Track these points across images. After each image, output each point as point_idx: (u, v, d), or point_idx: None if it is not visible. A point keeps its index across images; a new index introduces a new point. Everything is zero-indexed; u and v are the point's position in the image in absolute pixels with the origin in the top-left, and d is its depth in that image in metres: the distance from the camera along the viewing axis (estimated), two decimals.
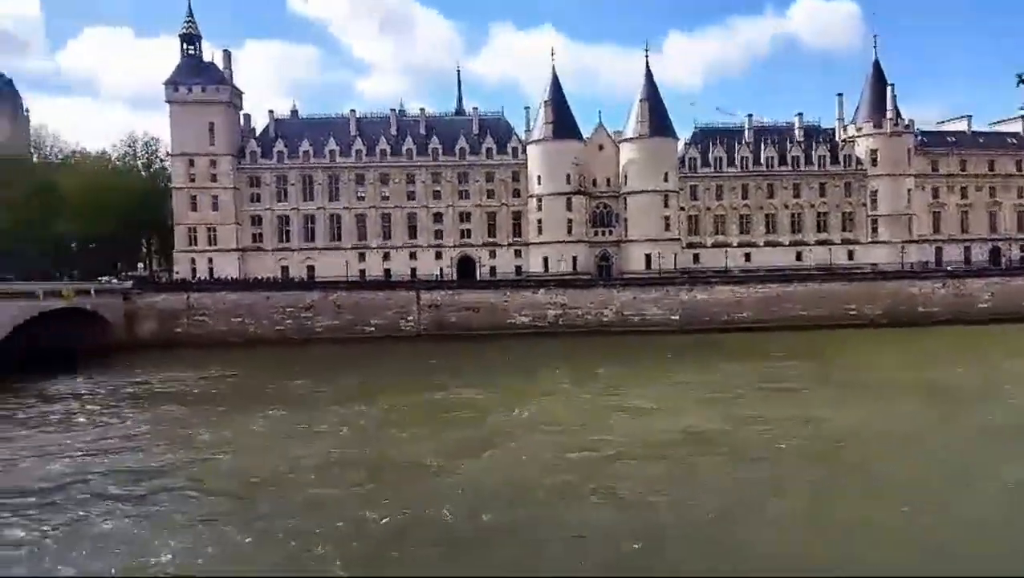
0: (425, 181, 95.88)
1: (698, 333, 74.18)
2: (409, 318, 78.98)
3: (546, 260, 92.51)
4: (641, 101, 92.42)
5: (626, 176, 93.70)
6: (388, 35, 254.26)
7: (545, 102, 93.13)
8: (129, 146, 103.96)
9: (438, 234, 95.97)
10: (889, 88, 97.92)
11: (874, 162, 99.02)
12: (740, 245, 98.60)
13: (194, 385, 51.51)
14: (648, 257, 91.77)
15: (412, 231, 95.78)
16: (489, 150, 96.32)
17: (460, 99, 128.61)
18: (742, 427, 35.18)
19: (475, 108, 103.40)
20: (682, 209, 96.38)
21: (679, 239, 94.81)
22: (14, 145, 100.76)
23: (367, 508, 24.62)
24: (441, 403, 42.96)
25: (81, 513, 24.92)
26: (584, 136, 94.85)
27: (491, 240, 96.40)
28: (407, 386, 48.41)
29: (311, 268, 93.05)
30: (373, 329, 77.25)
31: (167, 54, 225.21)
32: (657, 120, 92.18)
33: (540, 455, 30.99)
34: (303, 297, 79.49)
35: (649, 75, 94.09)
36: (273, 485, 27.70)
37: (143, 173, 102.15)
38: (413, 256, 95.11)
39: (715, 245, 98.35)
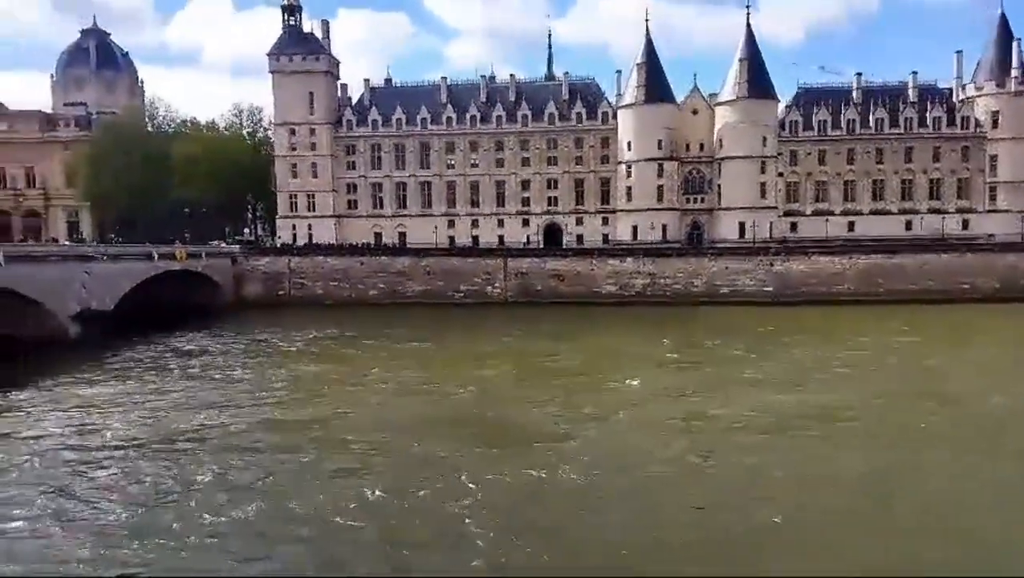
0: (513, 148, 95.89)
1: (794, 305, 71.30)
2: (496, 285, 79.89)
3: (635, 228, 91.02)
4: (740, 61, 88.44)
5: (721, 141, 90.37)
6: (475, 0, 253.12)
7: (637, 65, 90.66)
8: (236, 116, 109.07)
9: (525, 201, 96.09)
10: (1016, 43, 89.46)
11: (995, 124, 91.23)
12: (843, 213, 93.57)
13: (311, 343, 54.62)
14: (742, 225, 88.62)
15: (500, 198, 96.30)
16: (579, 115, 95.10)
17: (550, 64, 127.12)
18: (873, 405, 33.42)
19: (565, 73, 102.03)
20: (780, 175, 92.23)
21: (776, 207, 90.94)
22: (131, 115, 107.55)
23: (498, 467, 25.14)
24: (553, 369, 43.32)
25: (228, 463, 26.23)
26: (677, 100, 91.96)
27: (578, 207, 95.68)
28: (516, 351, 49.40)
29: (403, 234, 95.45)
30: (461, 295, 78.72)
31: (265, 25, 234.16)
32: (756, 81, 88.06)
33: (658, 424, 30.68)
34: (395, 262, 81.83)
35: (749, 33, 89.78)
36: (405, 442, 28.52)
37: (248, 141, 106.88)
38: (501, 223, 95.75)
39: (815, 213, 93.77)
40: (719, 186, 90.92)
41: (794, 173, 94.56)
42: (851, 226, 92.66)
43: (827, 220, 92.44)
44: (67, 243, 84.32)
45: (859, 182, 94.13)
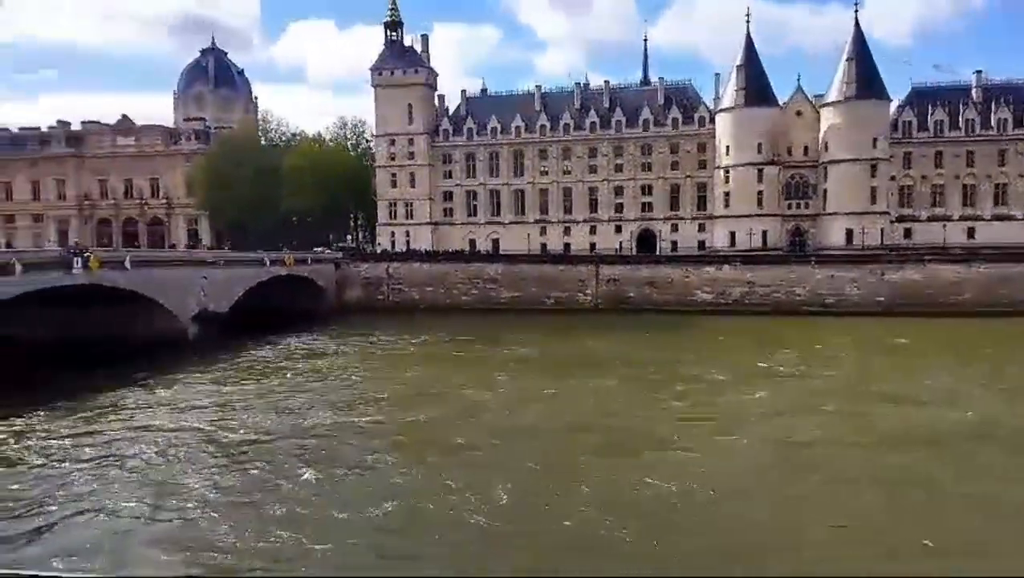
0: (607, 154, 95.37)
1: (906, 317, 67.09)
2: (587, 292, 79.47)
3: (732, 235, 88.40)
4: (848, 60, 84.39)
5: (827, 143, 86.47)
6: (563, 10, 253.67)
7: (737, 67, 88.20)
8: (340, 128, 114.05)
9: (618, 208, 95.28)
10: None
11: None
12: (962, 219, 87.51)
13: (424, 346, 56.40)
14: (849, 232, 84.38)
15: (593, 205, 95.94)
16: (675, 120, 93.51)
17: (645, 69, 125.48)
18: None
19: (660, 78, 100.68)
20: (892, 179, 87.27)
21: (887, 212, 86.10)
22: (245, 130, 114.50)
23: (623, 476, 24.80)
24: (666, 378, 42.64)
25: (356, 461, 27.02)
26: (779, 102, 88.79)
27: (673, 213, 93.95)
28: (624, 358, 48.92)
29: (496, 241, 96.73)
30: (552, 301, 78.77)
31: (365, 42, 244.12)
32: (866, 81, 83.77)
33: (791, 437, 29.50)
34: (488, 269, 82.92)
35: (858, 31, 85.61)
36: (531, 447, 28.68)
37: (351, 153, 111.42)
38: (593, 230, 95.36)
39: (931, 219, 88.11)
40: (824, 191, 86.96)
41: (907, 176, 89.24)
42: (971, 232, 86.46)
43: (944, 226, 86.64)
44: (187, 249, 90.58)
45: (980, 186, 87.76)
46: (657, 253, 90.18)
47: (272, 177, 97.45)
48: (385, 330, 63.60)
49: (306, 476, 25.53)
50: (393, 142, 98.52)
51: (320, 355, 52.54)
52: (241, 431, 31.43)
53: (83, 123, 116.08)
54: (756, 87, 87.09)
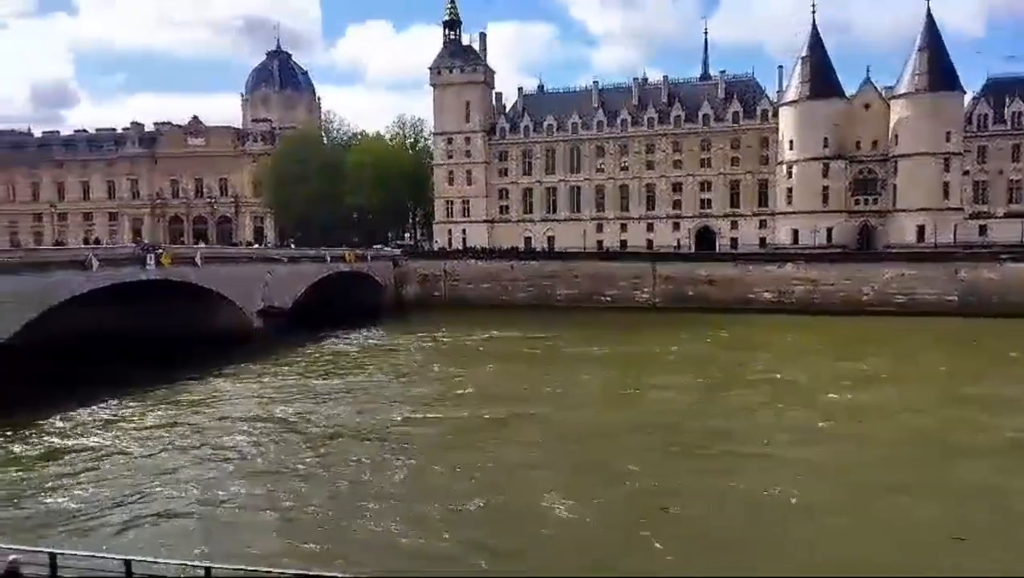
0: (665, 150, 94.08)
1: (981, 317, 64.07)
2: (644, 290, 78.67)
3: (795, 232, 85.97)
4: (920, 51, 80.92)
5: (896, 137, 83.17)
6: (617, 5, 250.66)
7: (802, 58, 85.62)
8: (399, 127, 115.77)
9: (676, 204, 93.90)
10: None
11: None
12: None
13: (488, 343, 57.16)
14: (921, 229, 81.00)
15: (650, 202, 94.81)
16: (735, 115, 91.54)
17: (706, 63, 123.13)
18: None
19: (721, 72, 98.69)
20: (965, 174, 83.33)
21: (961, 208, 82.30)
22: (309, 130, 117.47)
23: (711, 479, 24.39)
24: (743, 377, 41.98)
25: (433, 456, 27.30)
26: (846, 94, 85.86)
27: (733, 210, 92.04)
28: (694, 356, 48.54)
29: (551, 238, 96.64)
30: (608, 299, 78.29)
31: (422, 43, 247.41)
32: (939, 72, 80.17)
33: (888, 441, 28.55)
34: (544, 266, 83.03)
35: (930, 20, 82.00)
36: (614, 449, 28.57)
37: (410, 151, 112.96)
38: (650, 227, 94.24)
39: (1008, 216, 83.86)
40: (894, 186, 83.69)
41: (982, 171, 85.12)
42: None
43: (1023, 222, 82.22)
44: (254, 245, 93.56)
45: None
46: (716, 251, 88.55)
47: (334, 175, 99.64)
48: (448, 326, 64.40)
49: (392, 470, 25.91)
50: (450, 140, 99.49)
51: (389, 351, 53.67)
52: (323, 424, 32.14)
53: (156, 124, 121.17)
54: (822, 79, 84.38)
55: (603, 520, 21.41)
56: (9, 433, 30.24)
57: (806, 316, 68.20)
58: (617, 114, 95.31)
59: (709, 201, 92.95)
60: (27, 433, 30.58)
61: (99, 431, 31.24)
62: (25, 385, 36.26)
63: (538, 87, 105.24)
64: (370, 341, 58.27)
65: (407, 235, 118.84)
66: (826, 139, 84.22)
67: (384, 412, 34.21)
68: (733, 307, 72.05)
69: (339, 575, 11.89)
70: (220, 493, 23.73)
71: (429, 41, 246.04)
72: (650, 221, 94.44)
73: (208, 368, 43.99)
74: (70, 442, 29.68)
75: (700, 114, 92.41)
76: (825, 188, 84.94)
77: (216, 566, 12.55)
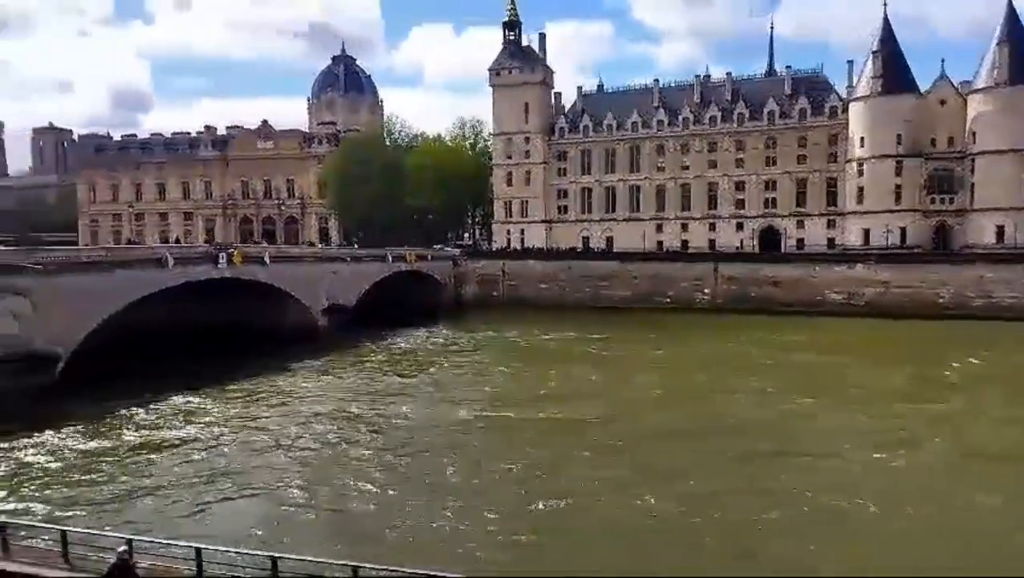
0: (728, 149, 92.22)
1: None
2: (705, 291, 77.38)
3: (866, 232, 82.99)
4: (999, 44, 77.00)
5: (974, 134, 79.34)
6: (679, 2, 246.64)
7: (873, 52, 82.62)
8: (459, 128, 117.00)
9: (740, 204, 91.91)
10: None
11: None
12: None
13: (553, 343, 57.55)
14: (1000, 229, 77.06)
15: (712, 201, 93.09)
16: (802, 111, 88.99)
17: (771, 59, 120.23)
18: None
19: (787, 67, 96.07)
20: None
21: None
22: (371, 132, 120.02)
23: (797, 486, 23.86)
24: (835, 383, 40.83)
25: (517, 455, 27.57)
26: (920, 90, 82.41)
27: (800, 210, 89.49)
28: (774, 361, 47.52)
29: (610, 239, 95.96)
30: (667, 300, 77.31)
31: (480, 44, 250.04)
32: (1020, 65, 76.02)
33: (993, 454, 27.63)
34: (602, 267, 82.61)
35: (1011, 11, 77.99)
36: (689, 446, 28.68)
37: (470, 152, 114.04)
38: (712, 227, 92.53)
39: None
40: (972, 185, 79.87)
41: None
42: None
43: None
44: (318, 246, 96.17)
45: None
46: (782, 251, 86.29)
47: (395, 177, 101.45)
48: (508, 326, 64.90)
49: (461, 468, 26.19)
50: (510, 141, 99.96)
51: (452, 349, 54.42)
52: (393, 421, 32.82)
53: (227, 128, 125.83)
54: (894, 73, 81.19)
55: (667, 526, 21.15)
56: (99, 424, 31.95)
57: (877, 319, 65.89)
58: (678, 112, 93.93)
59: (774, 200, 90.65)
60: (116, 424, 32.24)
61: (181, 423, 32.60)
62: (109, 377, 38.22)
63: (597, 86, 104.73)
64: (433, 340, 59.17)
65: (466, 235, 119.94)
66: (899, 136, 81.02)
67: (451, 410, 34.59)
68: (799, 309, 70.15)
69: (483, 576, 11.78)
70: (281, 486, 24.37)
71: (488, 42, 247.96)
72: (712, 221, 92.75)
73: (278, 364, 45.55)
74: (159, 434, 31.00)
75: (765, 111, 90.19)
76: (898, 187, 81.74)
77: (364, 565, 12.58)
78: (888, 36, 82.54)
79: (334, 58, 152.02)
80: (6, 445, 28.44)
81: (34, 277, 36.53)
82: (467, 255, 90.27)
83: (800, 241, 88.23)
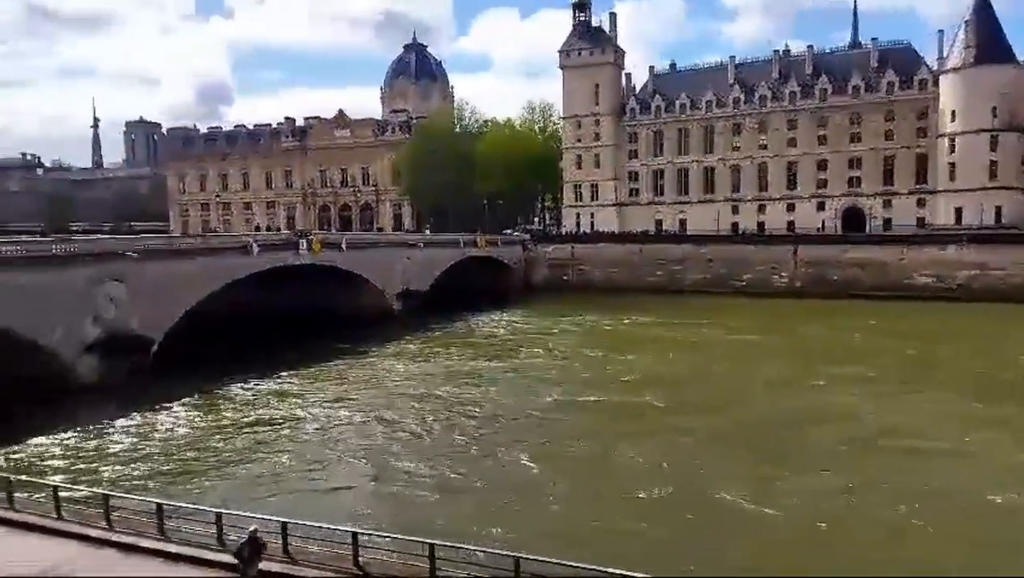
0: (808, 126, 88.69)
1: None
2: (783, 274, 75.02)
3: (959, 211, 78.50)
4: None
5: None
6: None
7: (966, 21, 77.63)
8: (529, 113, 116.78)
9: (821, 183, 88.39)
10: None
11: None
12: None
13: (633, 327, 57.05)
14: None
15: (791, 181, 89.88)
16: (889, 85, 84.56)
17: (855, 30, 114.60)
18: None
19: (873, 39, 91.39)
20: None
21: None
22: (442, 119, 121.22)
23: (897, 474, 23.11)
24: (925, 366, 39.65)
25: (609, 443, 27.20)
26: (1018, 60, 76.94)
27: (886, 188, 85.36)
28: (869, 349, 45.39)
29: (683, 221, 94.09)
30: (743, 284, 75.42)
31: (548, 27, 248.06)
32: None
33: None
34: (673, 250, 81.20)
35: None
36: (794, 433, 27.83)
37: (539, 136, 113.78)
38: (791, 208, 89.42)
39: None
40: None
41: None
42: None
43: None
44: (392, 232, 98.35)
45: None
46: (867, 232, 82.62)
47: (466, 163, 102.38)
48: (579, 310, 64.72)
49: (562, 454, 26.08)
50: (579, 124, 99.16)
51: (526, 333, 54.65)
52: (477, 403, 33.25)
53: (306, 119, 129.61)
54: (989, 43, 76.02)
55: (781, 518, 20.32)
56: (198, 404, 33.89)
57: (971, 303, 62.34)
58: (755, 90, 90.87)
59: (858, 179, 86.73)
60: (214, 404, 34.11)
61: (276, 404, 34.02)
62: (198, 360, 40.34)
63: (670, 65, 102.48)
64: (507, 324, 59.67)
65: (536, 220, 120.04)
66: (994, 109, 76.03)
67: (540, 395, 34.53)
68: (885, 293, 67.18)
69: (643, 576, 11.33)
70: (397, 467, 24.80)
71: (556, 25, 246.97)
72: (791, 201, 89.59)
73: (359, 347, 47.03)
74: (257, 413, 32.43)
75: (850, 86, 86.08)
76: (993, 163, 76.84)
77: (526, 557, 12.22)
78: (983, 3, 77.32)
79: (406, 46, 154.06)
80: (120, 423, 30.35)
81: (130, 264, 38.98)
82: (536, 240, 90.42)
83: (887, 221, 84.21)
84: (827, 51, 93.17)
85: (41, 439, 27.79)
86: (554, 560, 12.31)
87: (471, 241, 75.90)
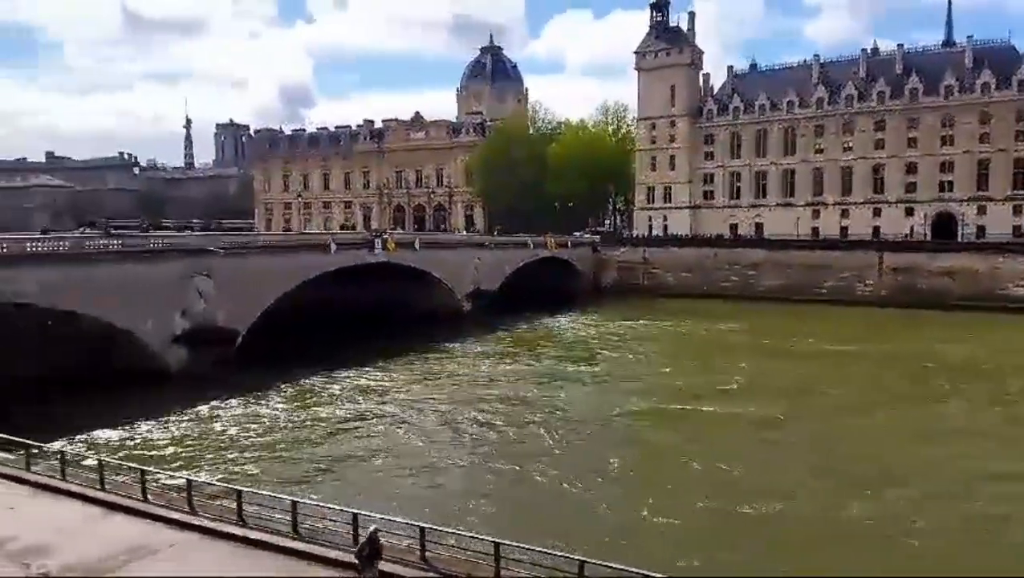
0: (897, 127, 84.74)
1: None
2: (867, 282, 72.03)
3: None
4: None
5: None
6: None
7: None
8: (603, 114, 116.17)
9: (909, 188, 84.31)
10: None
11: None
12: None
13: (696, 332, 56.27)
14: None
15: (877, 184, 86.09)
16: (986, 85, 79.90)
17: (949, 28, 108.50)
18: None
19: (969, 37, 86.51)
20: None
21: None
22: (516, 121, 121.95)
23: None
24: None
25: (701, 455, 26.25)
26: None
27: (981, 193, 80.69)
28: (973, 361, 43.41)
29: (759, 225, 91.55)
30: (823, 291, 72.80)
31: (621, 28, 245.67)
32: None
33: None
34: (749, 254, 79.19)
35: None
36: (901, 452, 26.51)
37: (612, 137, 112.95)
38: (876, 213, 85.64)
39: None
40: None
41: None
42: None
43: None
44: (464, 232, 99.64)
45: None
46: (959, 239, 78.29)
47: (538, 164, 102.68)
48: (654, 314, 63.95)
49: (647, 461, 25.68)
50: (654, 125, 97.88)
51: (603, 338, 53.95)
52: (566, 408, 32.67)
53: (383, 121, 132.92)
54: None
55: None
56: (285, 393, 35.17)
57: None
58: (840, 90, 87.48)
59: (950, 184, 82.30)
60: (298, 394, 35.35)
61: (359, 398, 34.90)
62: (279, 353, 42.03)
63: (750, 65, 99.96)
64: (579, 327, 59.31)
65: (606, 222, 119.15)
66: None
67: (620, 400, 33.88)
68: (976, 304, 63.58)
69: None
70: (490, 467, 24.86)
71: (629, 26, 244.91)
72: (877, 206, 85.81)
73: (432, 345, 47.89)
74: (342, 407, 33.29)
75: (942, 86, 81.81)
76: None
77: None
78: None
79: (482, 49, 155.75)
80: (206, 411, 31.72)
81: (218, 260, 40.97)
82: (607, 242, 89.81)
83: (980, 229, 79.56)
84: (918, 50, 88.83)
85: (140, 425, 29.24)
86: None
87: (541, 242, 76.13)
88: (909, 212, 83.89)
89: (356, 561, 12.76)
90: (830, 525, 20.25)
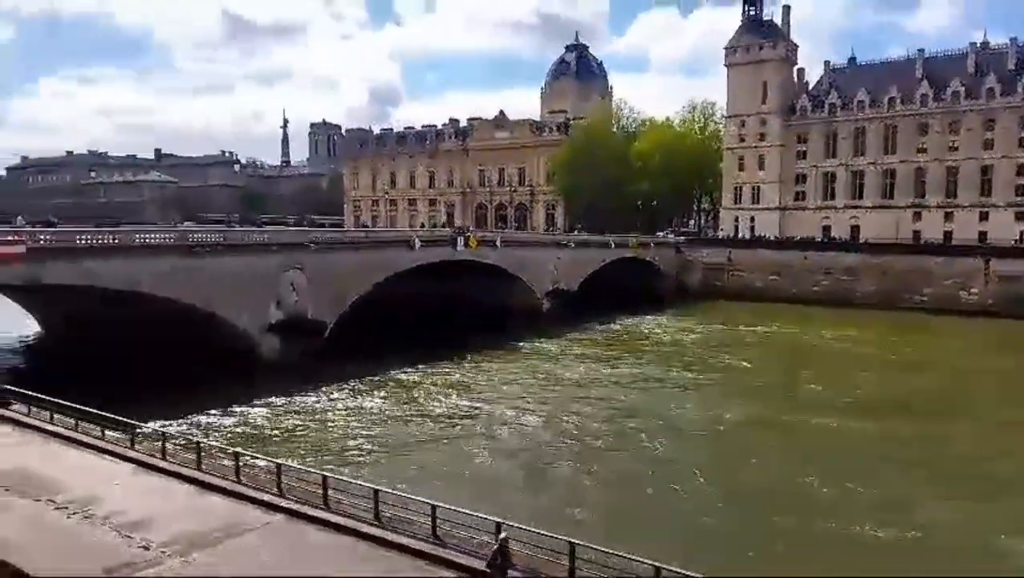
0: (1008, 126, 79.07)
1: None
2: (972, 290, 67.67)
3: None
4: None
5: None
6: None
7: None
8: (689, 112, 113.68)
9: (1019, 191, 78.56)
10: None
11: None
12: None
13: (809, 339, 54.37)
14: None
15: (985, 186, 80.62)
16: None
17: None
18: None
19: None
20: None
21: None
22: (600, 118, 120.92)
23: None
24: None
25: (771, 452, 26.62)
26: None
27: None
28: None
29: (855, 228, 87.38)
30: (924, 299, 68.91)
31: (708, 26, 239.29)
32: None
33: None
34: (843, 258, 75.83)
35: None
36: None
37: (699, 136, 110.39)
38: (984, 216, 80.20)
39: None
40: None
41: None
42: None
43: None
44: (545, 231, 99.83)
45: None
46: None
47: (622, 163, 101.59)
48: (742, 317, 61.94)
49: (742, 478, 24.59)
50: (743, 123, 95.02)
51: (690, 341, 53.02)
52: (668, 414, 31.92)
53: (468, 120, 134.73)
54: None
55: None
56: (373, 385, 36.24)
57: None
58: (946, 86, 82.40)
59: None
60: (385, 386, 36.34)
61: (450, 392, 35.47)
62: (366, 345, 43.26)
63: (848, 59, 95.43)
64: (664, 329, 58.19)
65: (691, 222, 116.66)
66: None
67: (718, 408, 32.92)
68: None
69: None
70: (591, 471, 24.65)
71: (718, 21, 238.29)
72: (984, 210, 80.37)
73: (516, 343, 48.27)
74: (426, 400, 34.00)
75: None
76: None
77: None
78: None
79: (568, 47, 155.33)
80: (301, 400, 32.99)
81: (310, 254, 42.79)
82: (691, 242, 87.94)
83: None
84: None
85: (235, 408, 30.87)
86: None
87: (622, 242, 75.42)
88: (1020, 217, 78.19)
89: (487, 569, 12.39)
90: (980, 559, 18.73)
